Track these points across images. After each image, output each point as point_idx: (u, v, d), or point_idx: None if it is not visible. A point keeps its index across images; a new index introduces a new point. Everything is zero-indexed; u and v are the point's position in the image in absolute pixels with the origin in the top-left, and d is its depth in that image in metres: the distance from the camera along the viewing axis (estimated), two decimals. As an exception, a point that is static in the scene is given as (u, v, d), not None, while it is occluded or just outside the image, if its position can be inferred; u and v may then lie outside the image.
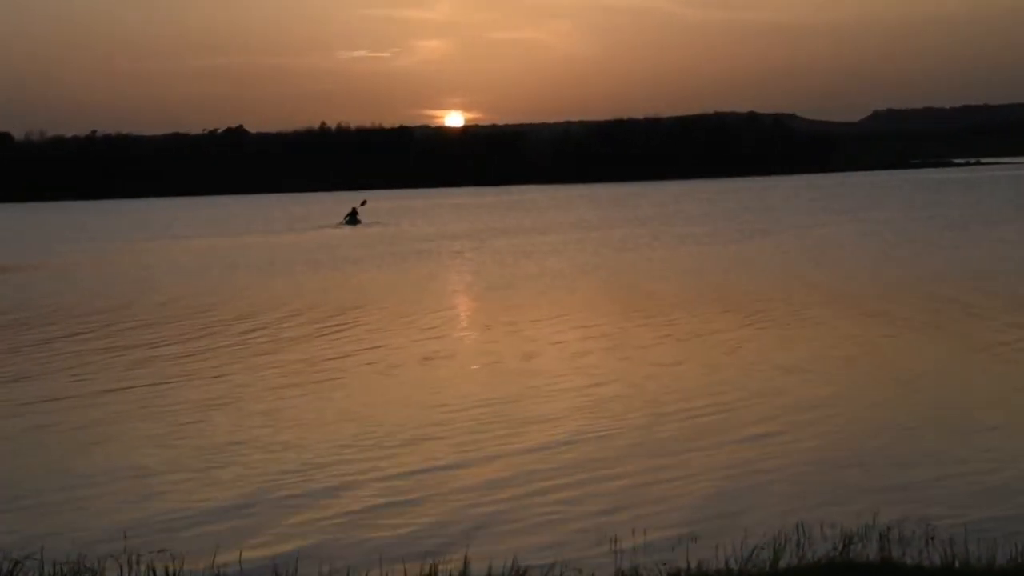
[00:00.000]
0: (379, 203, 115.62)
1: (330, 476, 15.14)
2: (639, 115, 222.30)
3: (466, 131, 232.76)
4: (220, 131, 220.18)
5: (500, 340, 26.77)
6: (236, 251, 62.33)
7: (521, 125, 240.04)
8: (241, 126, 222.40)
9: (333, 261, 52.98)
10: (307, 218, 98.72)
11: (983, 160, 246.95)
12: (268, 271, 48.91)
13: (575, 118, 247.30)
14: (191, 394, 21.11)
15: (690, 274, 41.44)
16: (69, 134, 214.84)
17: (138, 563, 11.55)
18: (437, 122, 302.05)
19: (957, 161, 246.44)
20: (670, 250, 52.95)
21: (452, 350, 25.66)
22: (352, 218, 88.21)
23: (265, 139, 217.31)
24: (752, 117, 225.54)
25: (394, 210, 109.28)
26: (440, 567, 11.09)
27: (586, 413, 18.46)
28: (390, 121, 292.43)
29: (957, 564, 10.67)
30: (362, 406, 19.63)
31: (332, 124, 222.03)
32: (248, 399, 20.47)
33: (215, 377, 22.83)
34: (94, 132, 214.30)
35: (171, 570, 11.22)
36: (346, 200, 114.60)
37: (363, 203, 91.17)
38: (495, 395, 20.14)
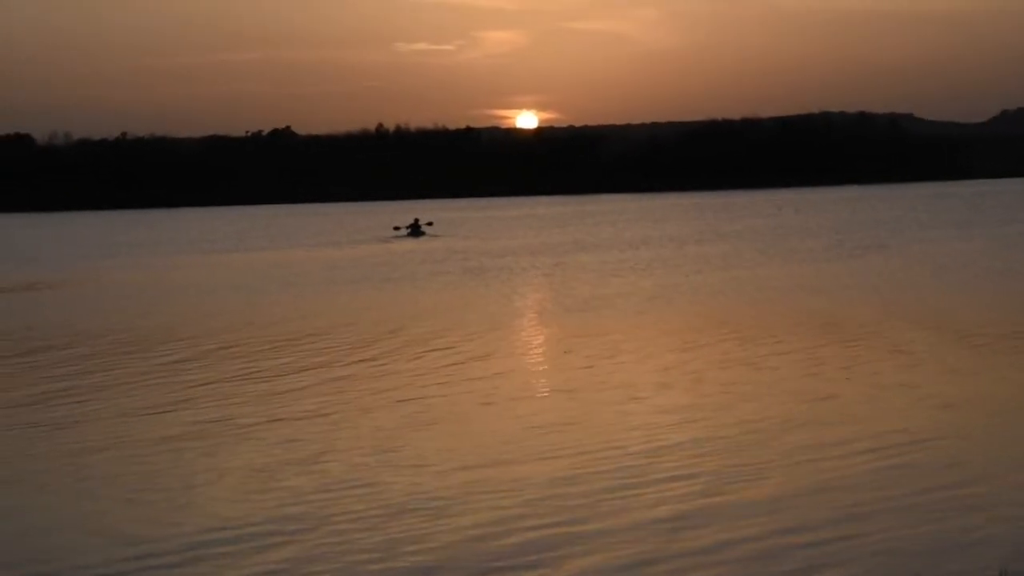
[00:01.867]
0: (444, 213, 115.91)
1: (473, 533, 14.78)
2: (735, 116, 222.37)
3: (540, 133, 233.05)
4: (265, 133, 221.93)
5: (623, 370, 26.34)
6: (290, 266, 62.52)
7: (602, 127, 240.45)
8: (288, 127, 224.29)
9: (403, 278, 52.93)
10: (365, 230, 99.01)
11: None
12: (328, 289, 48.97)
13: (663, 119, 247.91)
14: (290, 431, 21.03)
15: (809, 293, 41.01)
16: (97, 136, 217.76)
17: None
18: (507, 123, 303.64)
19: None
20: (781, 267, 52.50)
21: (572, 381, 25.22)
22: (415, 229, 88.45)
23: (315, 142, 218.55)
24: (863, 118, 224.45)
25: (461, 221, 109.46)
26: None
27: (743, 453, 18.16)
28: (454, 122, 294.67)
29: None
30: (489, 448, 19.23)
31: (390, 125, 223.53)
32: (360, 438, 20.19)
33: (314, 415, 22.53)
34: (124, 134, 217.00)
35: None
36: (407, 210, 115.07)
37: (429, 223, 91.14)
38: (648, 434, 19.73)
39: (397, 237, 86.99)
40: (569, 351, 29.30)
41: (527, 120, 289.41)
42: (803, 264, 53.56)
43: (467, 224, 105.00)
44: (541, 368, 27.44)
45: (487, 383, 24.98)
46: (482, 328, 34.22)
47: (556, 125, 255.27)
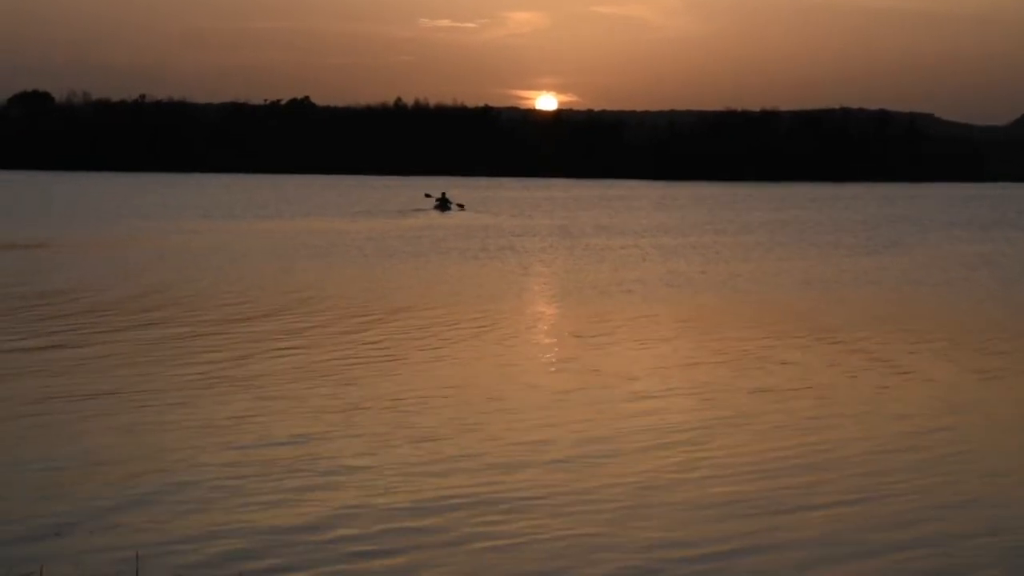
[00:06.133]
0: (464, 190, 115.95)
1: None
2: (754, 107, 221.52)
3: (559, 116, 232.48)
4: (283, 102, 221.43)
5: (632, 356, 26.37)
6: (321, 236, 62.45)
7: (621, 112, 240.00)
8: (307, 98, 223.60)
9: (430, 252, 52.92)
10: (388, 203, 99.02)
11: None
12: (363, 261, 49.00)
13: (681, 107, 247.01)
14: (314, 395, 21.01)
15: (839, 287, 40.90)
16: (116, 98, 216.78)
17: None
18: (526, 104, 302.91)
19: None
20: (806, 260, 52.39)
21: (578, 363, 25.24)
22: (444, 203, 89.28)
23: (333, 113, 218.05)
24: (882, 115, 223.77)
25: (483, 199, 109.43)
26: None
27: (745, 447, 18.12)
28: (473, 100, 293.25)
29: None
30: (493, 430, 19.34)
31: (408, 100, 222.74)
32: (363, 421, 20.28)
33: (330, 393, 22.60)
34: (143, 96, 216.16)
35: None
36: (425, 186, 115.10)
37: (460, 205, 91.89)
38: (643, 422, 19.80)
39: (423, 209, 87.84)
40: (580, 335, 29.03)
41: (546, 102, 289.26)
42: (833, 258, 53.43)
43: (491, 202, 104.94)
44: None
45: (494, 361, 24.85)
46: (500, 307, 34.19)
47: (575, 108, 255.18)
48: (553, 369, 24.13)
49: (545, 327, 31.03)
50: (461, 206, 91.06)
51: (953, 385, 22.62)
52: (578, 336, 28.68)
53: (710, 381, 22.64)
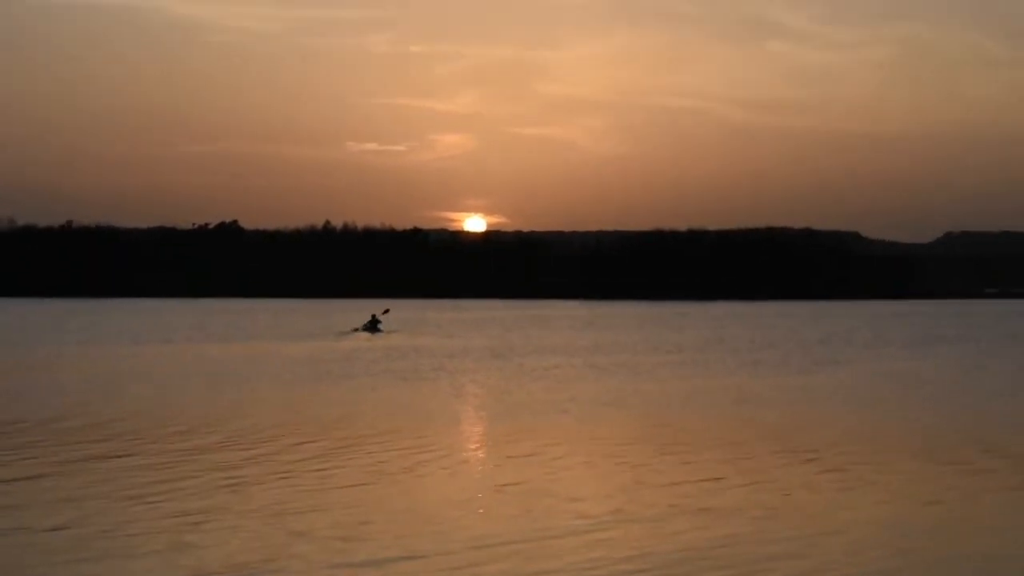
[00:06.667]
0: (394, 313, 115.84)
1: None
2: (681, 227, 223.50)
3: (487, 237, 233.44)
4: (212, 226, 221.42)
5: (564, 480, 26.34)
6: (248, 362, 62.14)
7: (549, 232, 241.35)
8: (236, 221, 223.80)
9: (360, 374, 52.77)
10: (316, 326, 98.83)
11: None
12: (272, 384, 48.82)
13: (609, 227, 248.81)
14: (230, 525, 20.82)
15: (759, 406, 41.13)
16: (42, 223, 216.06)
17: None
18: (455, 226, 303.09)
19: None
20: (733, 378, 52.67)
21: (508, 487, 25.21)
22: (372, 325, 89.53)
23: (262, 236, 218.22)
24: (808, 234, 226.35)
25: (410, 320, 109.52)
26: None
27: None
28: (402, 222, 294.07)
29: None
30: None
31: (337, 223, 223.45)
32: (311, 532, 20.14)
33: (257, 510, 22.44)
34: (70, 222, 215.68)
35: None
36: (355, 308, 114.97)
37: (385, 311, 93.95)
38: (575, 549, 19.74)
39: (355, 331, 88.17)
40: (513, 455, 28.93)
41: (475, 223, 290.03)
42: (757, 377, 53.71)
43: (421, 324, 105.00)
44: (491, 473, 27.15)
45: (426, 483, 24.79)
46: (436, 429, 34.14)
47: (503, 229, 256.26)
48: (494, 493, 24.01)
49: (482, 451, 30.94)
50: (387, 311, 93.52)
51: (901, 510, 22.68)
52: (513, 458, 28.61)
53: (655, 503, 22.61)
